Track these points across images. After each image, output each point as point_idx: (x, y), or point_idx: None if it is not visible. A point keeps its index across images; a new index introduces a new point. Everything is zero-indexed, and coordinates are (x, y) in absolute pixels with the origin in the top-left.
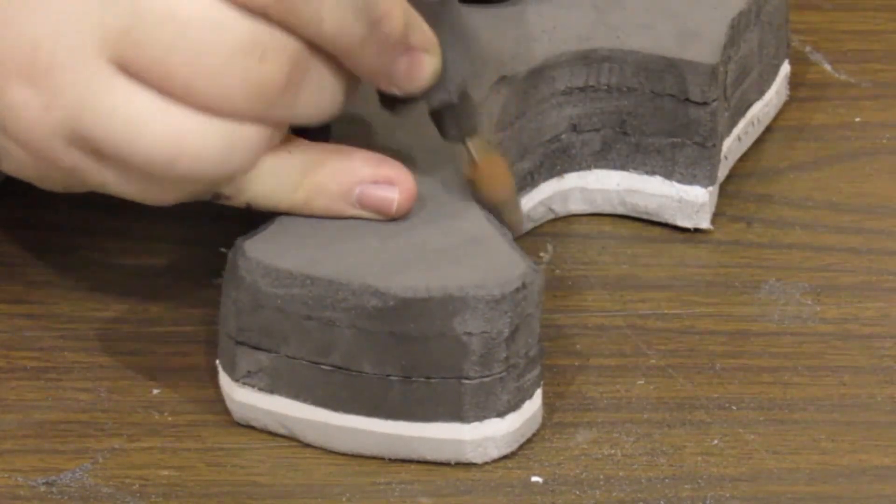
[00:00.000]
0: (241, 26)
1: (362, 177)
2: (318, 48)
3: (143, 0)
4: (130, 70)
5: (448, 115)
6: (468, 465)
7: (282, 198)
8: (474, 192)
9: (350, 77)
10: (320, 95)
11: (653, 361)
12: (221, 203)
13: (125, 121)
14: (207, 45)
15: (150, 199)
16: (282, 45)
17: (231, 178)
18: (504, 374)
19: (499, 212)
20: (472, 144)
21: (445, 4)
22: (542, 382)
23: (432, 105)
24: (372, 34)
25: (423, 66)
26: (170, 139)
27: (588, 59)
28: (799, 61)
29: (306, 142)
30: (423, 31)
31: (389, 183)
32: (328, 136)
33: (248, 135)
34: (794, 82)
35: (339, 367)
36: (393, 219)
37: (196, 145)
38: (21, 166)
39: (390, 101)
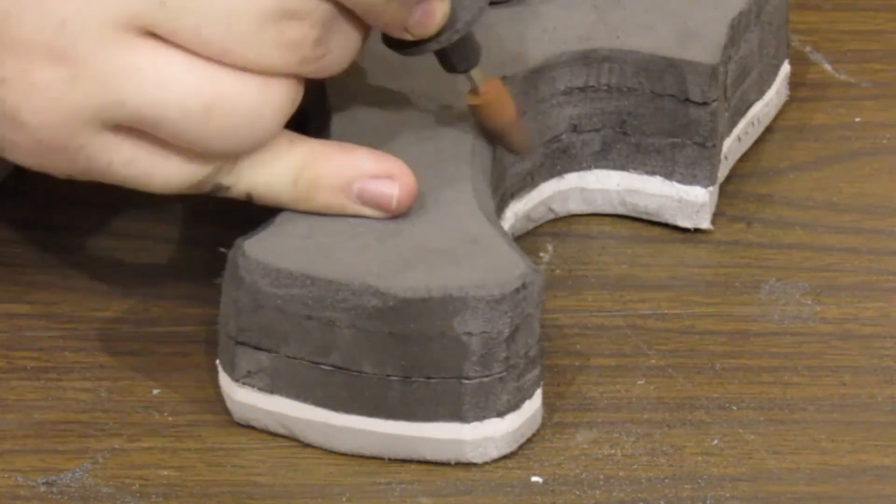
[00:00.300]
0: None
1: (363, 171)
2: (341, 5)
3: None
4: (166, 39)
5: (453, 50)
6: (468, 465)
7: (282, 190)
8: (479, 118)
9: (366, 28)
10: (345, 48)
11: (653, 361)
12: (222, 195)
13: (157, 76)
14: (241, 11)
15: (157, 182)
16: (312, 6)
17: (259, 141)
18: (504, 374)
19: (504, 136)
20: (474, 73)
21: None
22: (542, 382)
23: (441, 45)
24: None
25: (435, 13)
26: (204, 90)
27: (588, 59)
28: (799, 61)
29: (308, 138)
30: None
31: (390, 178)
32: (328, 133)
33: (280, 89)
34: (794, 82)
35: (340, 368)
36: (393, 216)
37: (230, 97)
38: (27, 154)
39: (399, 43)
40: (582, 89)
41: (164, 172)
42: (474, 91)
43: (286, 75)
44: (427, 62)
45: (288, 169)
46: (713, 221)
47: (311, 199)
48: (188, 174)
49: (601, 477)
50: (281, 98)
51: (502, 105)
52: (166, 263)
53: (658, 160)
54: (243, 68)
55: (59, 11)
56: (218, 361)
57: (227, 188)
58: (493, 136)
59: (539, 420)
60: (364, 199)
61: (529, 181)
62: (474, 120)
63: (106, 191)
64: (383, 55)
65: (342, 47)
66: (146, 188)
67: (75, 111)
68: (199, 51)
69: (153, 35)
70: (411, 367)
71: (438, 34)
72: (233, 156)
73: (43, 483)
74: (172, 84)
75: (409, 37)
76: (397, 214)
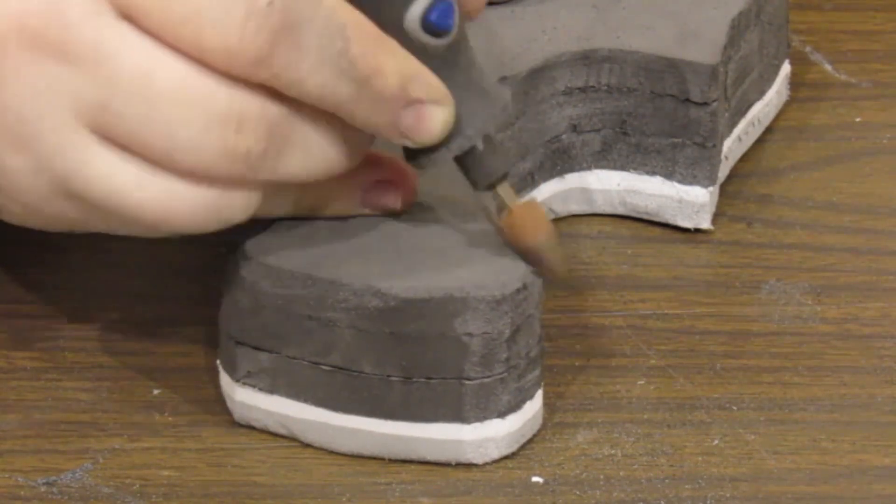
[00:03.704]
0: (217, 97)
1: (364, 179)
2: (312, 109)
3: (116, 73)
4: (111, 139)
5: (472, 162)
6: (469, 466)
7: (286, 210)
8: (509, 239)
9: (351, 131)
10: (309, 156)
11: (653, 361)
12: None
13: (110, 188)
14: (183, 117)
15: (155, 236)
16: (260, 113)
17: (223, 226)
18: (505, 374)
19: (538, 256)
20: (503, 190)
21: (454, 47)
22: (542, 383)
23: (453, 152)
24: (361, 92)
25: (431, 118)
26: (156, 205)
27: (588, 59)
28: (799, 61)
29: None
30: (427, 83)
31: (392, 183)
32: None
33: (237, 195)
34: (794, 82)
35: (340, 368)
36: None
37: (183, 209)
38: (23, 219)
39: (413, 154)
40: (582, 89)
41: (158, 232)
42: (501, 210)
43: (238, 183)
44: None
45: (290, 193)
46: (713, 221)
47: (317, 211)
48: (179, 233)
49: (601, 477)
50: (238, 202)
51: (536, 226)
52: (166, 263)
53: (658, 160)
54: (192, 177)
55: (15, 106)
56: (218, 361)
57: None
58: (523, 257)
59: (540, 420)
60: (368, 205)
61: (529, 181)
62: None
63: None
64: None
65: (303, 155)
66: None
67: (48, 192)
68: (145, 156)
69: (106, 139)
70: (412, 368)
71: (447, 142)
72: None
73: (43, 483)
74: (126, 196)
75: (409, 143)
76: (400, 214)
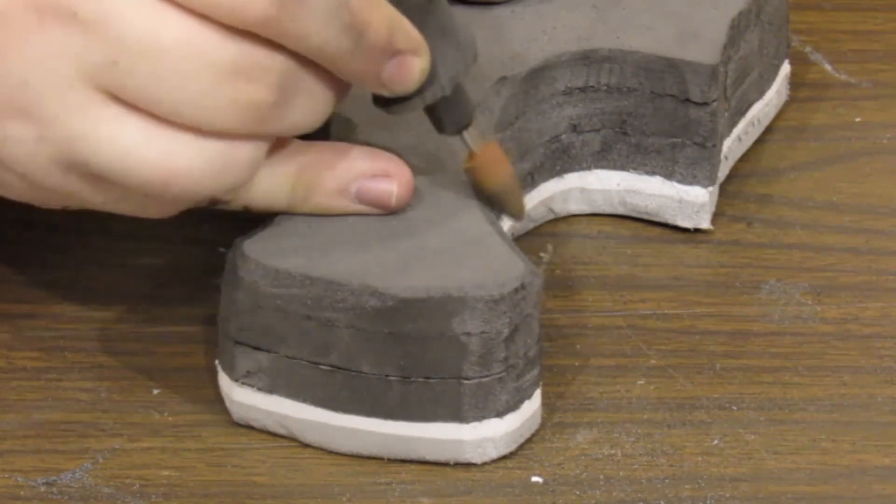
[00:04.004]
0: (225, 50)
1: (359, 171)
2: (307, 59)
3: (125, 31)
4: (119, 98)
5: (442, 108)
6: (469, 465)
7: (279, 198)
8: (473, 182)
9: (340, 81)
10: (312, 105)
11: (653, 361)
12: (219, 208)
13: (117, 148)
14: (192, 71)
15: (150, 214)
16: (268, 64)
17: (229, 192)
18: (503, 374)
19: (499, 200)
20: (468, 135)
21: (432, 2)
22: (541, 383)
23: (426, 101)
24: (358, 44)
25: (411, 68)
26: (163, 163)
27: (588, 59)
28: (799, 61)
29: (300, 141)
30: (408, 34)
31: (387, 176)
32: (327, 136)
33: (242, 151)
34: (794, 82)
35: (339, 368)
36: (392, 212)
37: (189, 167)
38: (21, 193)
39: (384, 100)
40: (582, 89)
41: (158, 207)
42: (469, 154)
43: (247, 136)
44: None
45: (283, 178)
46: (713, 221)
47: (309, 203)
48: (182, 206)
49: (601, 477)
50: (245, 159)
51: (498, 169)
52: (166, 263)
53: (658, 160)
54: (200, 132)
55: (20, 71)
56: (217, 361)
57: (225, 202)
58: (487, 200)
59: (538, 420)
60: (363, 199)
61: (529, 181)
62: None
63: None
64: None
65: (308, 105)
66: (143, 216)
67: (49, 163)
68: (154, 112)
69: (113, 98)
70: (410, 368)
71: (421, 91)
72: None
73: (43, 483)
74: (131, 157)
75: (387, 93)
76: (396, 210)
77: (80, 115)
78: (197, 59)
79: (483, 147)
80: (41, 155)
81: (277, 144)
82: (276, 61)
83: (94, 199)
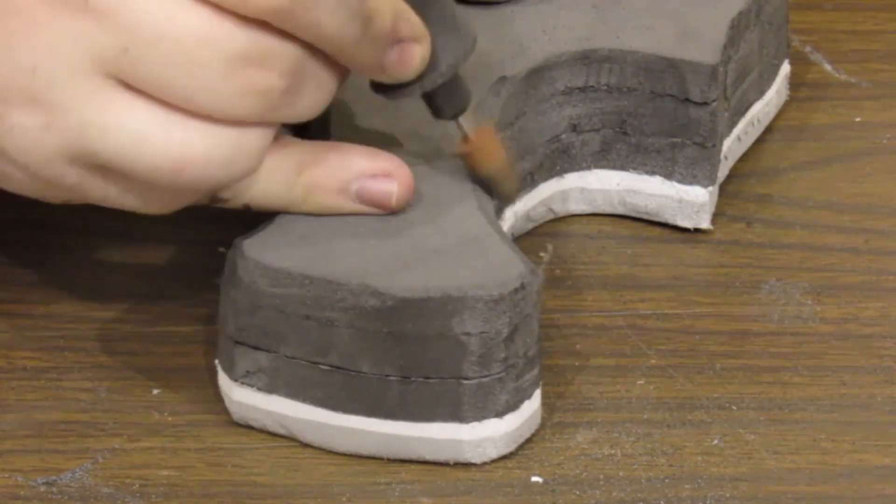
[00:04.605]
0: (237, 38)
1: (359, 171)
2: (314, 47)
3: (138, 18)
4: (130, 86)
5: (440, 95)
6: (468, 465)
7: (279, 197)
8: (468, 166)
9: (341, 68)
10: (318, 91)
11: (653, 361)
12: (219, 206)
13: (127, 134)
14: (204, 59)
15: (152, 209)
16: (279, 52)
17: (237, 182)
18: (503, 374)
19: (494, 183)
20: (464, 120)
21: None
22: (540, 383)
23: (425, 88)
24: (365, 32)
25: (412, 56)
26: (173, 150)
27: (588, 59)
28: (799, 61)
29: (301, 140)
30: (410, 22)
31: (387, 176)
32: (328, 135)
33: (252, 138)
34: (794, 82)
35: (338, 367)
36: (392, 212)
37: (200, 154)
38: (21, 186)
39: (382, 87)
40: (582, 89)
41: (161, 200)
42: (463, 139)
43: (256, 123)
44: None
45: (284, 176)
46: (713, 221)
47: (309, 202)
48: (184, 200)
49: (601, 477)
50: (253, 146)
51: (492, 153)
52: (166, 263)
53: (658, 160)
54: (212, 119)
55: (30, 59)
56: (217, 361)
57: (225, 200)
58: (482, 183)
59: (538, 420)
60: (363, 199)
61: (529, 181)
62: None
63: None
64: None
65: (315, 92)
66: (146, 212)
67: (54, 153)
68: (164, 98)
69: (124, 85)
70: (410, 367)
71: (421, 78)
72: (206, 195)
73: (43, 483)
74: (141, 143)
75: (387, 80)
76: (396, 211)
77: (90, 103)
78: (209, 47)
79: (477, 132)
80: (47, 145)
81: (278, 144)
82: (288, 49)
83: (96, 192)
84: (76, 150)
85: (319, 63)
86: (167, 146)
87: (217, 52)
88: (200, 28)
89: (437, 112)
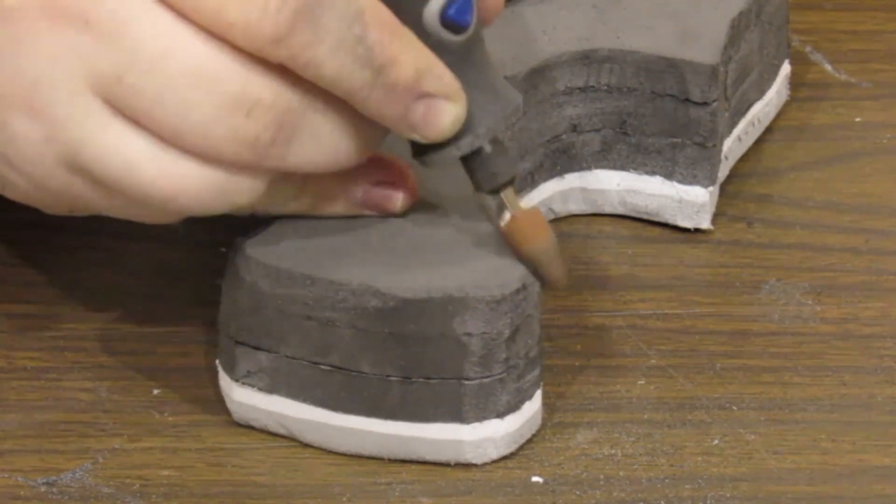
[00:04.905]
0: (232, 79)
1: (365, 178)
2: (329, 99)
3: (135, 45)
4: (124, 113)
5: (479, 162)
6: (469, 466)
7: (286, 204)
8: (510, 244)
9: (370, 123)
10: (318, 147)
11: (653, 361)
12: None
13: (120, 160)
14: (196, 98)
15: (155, 221)
16: (272, 101)
17: (229, 209)
18: (504, 374)
19: (538, 265)
20: (507, 194)
21: (470, 45)
22: (541, 383)
23: (461, 151)
24: (376, 80)
25: (441, 113)
26: (165, 181)
27: (588, 59)
28: (799, 61)
29: None
30: (440, 77)
31: (392, 183)
32: None
33: (243, 180)
34: (794, 82)
35: (339, 368)
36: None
37: (192, 188)
38: (27, 196)
39: (420, 150)
40: (582, 89)
41: (164, 216)
42: (502, 213)
43: (246, 169)
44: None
45: (289, 184)
46: (713, 221)
47: (315, 209)
48: (184, 216)
49: (601, 477)
50: (246, 187)
51: (537, 233)
52: (167, 263)
53: (658, 160)
54: (201, 158)
55: (31, 71)
56: (217, 361)
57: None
58: (525, 263)
59: (539, 421)
60: (368, 205)
61: (529, 181)
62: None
63: None
64: None
65: (312, 145)
66: (150, 223)
67: (55, 164)
68: (155, 132)
69: (119, 111)
70: (411, 368)
71: (456, 140)
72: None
73: (43, 483)
74: (135, 171)
75: (418, 138)
76: (399, 215)
77: (86, 121)
78: (203, 86)
79: (522, 210)
80: (48, 155)
81: None
82: (281, 99)
83: (99, 203)
84: (73, 163)
85: (324, 114)
86: (159, 177)
87: (210, 93)
88: (196, 66)
89: (475, 183)
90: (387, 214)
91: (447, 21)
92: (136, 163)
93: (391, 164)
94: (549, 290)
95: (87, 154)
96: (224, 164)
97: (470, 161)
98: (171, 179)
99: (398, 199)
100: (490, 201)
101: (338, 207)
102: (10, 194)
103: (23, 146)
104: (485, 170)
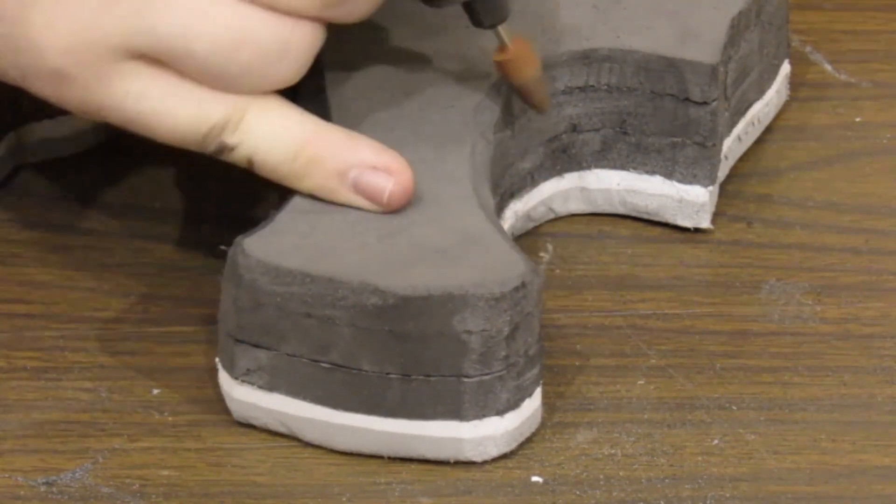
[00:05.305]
0: None
1: (362, 159)
2: None
3: None
4: None
5: (480, 3)
6: (469, 465)
7: (282, 161)
8: (503, 74)
9: None
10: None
11: (653, 361)
12: (224, 157)
13: (190, 8)
14: None
15: (168, 121)
16: None
17: (279, 83)
18: (504, 372)
19: (526, 93)
20: (502, 29)
21: None
22: (541, 381)
23: None
24: None
25: None
26: (232, 29)
27: (588, 59)
28: (799, 61)
29: (318, 118)
30: None
31: (387, 172)
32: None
33: (304, 33)
34: (794, 82)
35: (339, 366)
36: (385, 210)
37: (258, 34)
38: (44, 82)
39: None
40: (582, 89)
41: (175, 114)
42: (501, 47)
43: (310, 18)
44: (429, 49)
45: (292, 141)
46: (713, 221)
47: (308, 177)
48: (198, 120)
49: (601, 477)
50: (305, 39)
51: (527, 62)
52: (166, 263)
53: (658, 160)
54: (269, 6)
55: None
56: (217, 359)
57: (231, 149)
58: (516, 93)
59: (539, 419)
60: (358, 188)
61: (529, 181)
62: (489, 86)
63: (107, 191)
64: (384, 49)
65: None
66: (153, 132)
67: (103, 37)
68: None
69: None
70: (411, 366)
71: None
72: (253, 92)
73: (43, 483)
74: (204, 17)
75: None
76: (389, 209)
77: None
78: None
79: (514, 41)
80: (97, 27)
81: (296, 111)
82: None
83: (118, 89)
84: (130, 29)
85: None
86: (227, 24)
87: None
88: None
89: (476, 21)
90: (375, 205)
91: None
92: (204, 10)
93: (392, 155)
94: (536, 112)
95: (150, 13)
96: (291, 14)
97: (470, 1)
98: (237, 27)
99: (387, 189)
100: (489, 37)
101: (329, 184)
102: (27, 83)
103: (70, 19)
104: (483, 8)
